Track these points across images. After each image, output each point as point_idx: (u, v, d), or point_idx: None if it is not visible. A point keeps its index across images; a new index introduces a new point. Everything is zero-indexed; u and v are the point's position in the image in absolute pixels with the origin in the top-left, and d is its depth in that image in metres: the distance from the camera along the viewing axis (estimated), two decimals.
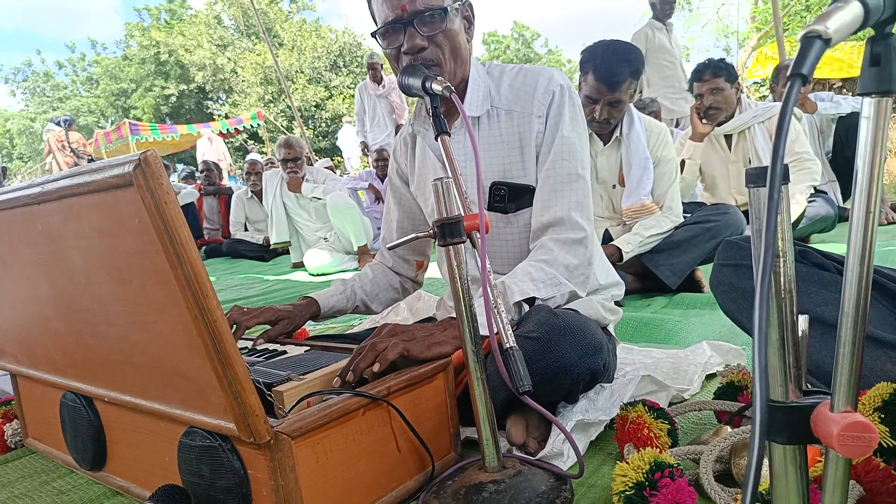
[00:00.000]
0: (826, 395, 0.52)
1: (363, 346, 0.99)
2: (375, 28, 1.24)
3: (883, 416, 0.77)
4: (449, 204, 0.89)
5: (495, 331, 0.87)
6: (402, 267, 1.57)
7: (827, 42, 0.39)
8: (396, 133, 6.66)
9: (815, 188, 3.06)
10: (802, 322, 0.62)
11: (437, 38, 1.20)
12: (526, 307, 1.15)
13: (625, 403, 1.01)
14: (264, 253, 5.38)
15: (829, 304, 0.97)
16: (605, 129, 2.35)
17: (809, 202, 3.04)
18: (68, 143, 7.65)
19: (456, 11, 1.23)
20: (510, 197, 1.28)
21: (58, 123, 7.92)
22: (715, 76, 2.96)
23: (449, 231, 0.88)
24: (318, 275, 4.17)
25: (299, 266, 4.61)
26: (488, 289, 0.86)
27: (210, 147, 10.48)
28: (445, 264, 0.89)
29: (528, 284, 1.13)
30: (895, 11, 0.45)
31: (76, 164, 6.16)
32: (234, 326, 1.29)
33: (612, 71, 2.17)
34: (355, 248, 4.36)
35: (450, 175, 0.95)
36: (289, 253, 4.84)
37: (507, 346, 0.85)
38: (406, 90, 1.14)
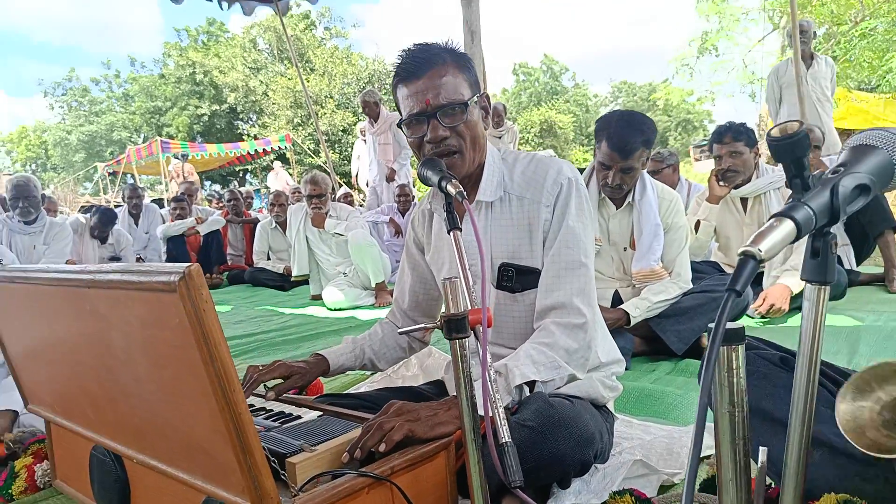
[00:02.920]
0: None
1: (371, 425, 1.07)
2: (400, 118, 1.34)
3: None
4: (455, 301, 0.98)
5: (492, 424, 0.94)
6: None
7: (760, 262, 0.47)
8: (385, 175, 6.90)
9: None
10: (762, 455, 0.70)
11: (458, 129, 1.30)
12: (527, 389, 1.22)
13: (614, 492, 1.07)
14: (284, 282, 5.51)
15: None
16: (617, 193, 2.43)
17: None
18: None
19: (475, 103, 1.32)
20: (517, 277, 1.37)
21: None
22: (735, 140, 3.02)
23: (455, 326, 0.96)
24: (335, 309, 4.27)
25: (317, 298, 4.72)
26: (488, 384, 0.94)
27: (276, 179, 12.43)
28: (451, 355, 0.97)
29: (529, 367, 1.21)
30: (829, 219, 0.53)
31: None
32: (250, 381, 1.38)
33: (624, 140, 2.26)
34: (373, 285, 4.46)
35: (459, 269, 1.04)
36: (308, 283, 4.96)
37: (503, 440, 0.93)
38: (423, 181, 1.24)
